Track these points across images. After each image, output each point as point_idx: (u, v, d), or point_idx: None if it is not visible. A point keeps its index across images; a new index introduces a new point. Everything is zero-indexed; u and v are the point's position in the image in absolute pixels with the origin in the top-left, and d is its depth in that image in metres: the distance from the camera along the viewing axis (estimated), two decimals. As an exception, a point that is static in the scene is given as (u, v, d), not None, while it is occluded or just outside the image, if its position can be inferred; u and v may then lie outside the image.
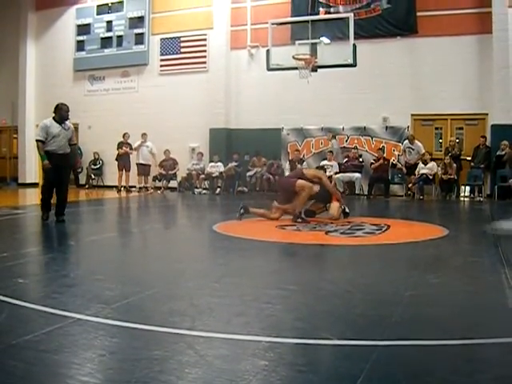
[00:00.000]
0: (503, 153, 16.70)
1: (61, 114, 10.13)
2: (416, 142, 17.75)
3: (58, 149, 10.01)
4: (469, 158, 17.73)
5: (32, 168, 23.43)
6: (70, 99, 22.00)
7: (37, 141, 10.02)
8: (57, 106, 10.26)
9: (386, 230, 9.27)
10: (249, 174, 19.44)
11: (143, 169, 20.01)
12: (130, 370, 3.01)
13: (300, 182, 10.24)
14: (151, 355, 3.19)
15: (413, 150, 17.77)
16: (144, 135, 19.89)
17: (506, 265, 6.01)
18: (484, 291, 5.01)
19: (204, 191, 19.61)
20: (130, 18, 22.13)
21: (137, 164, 20.00)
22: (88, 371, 2.96)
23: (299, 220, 10.00)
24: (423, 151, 17.64)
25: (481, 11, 17.42)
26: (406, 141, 17.90)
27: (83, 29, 22.97)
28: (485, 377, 2.92)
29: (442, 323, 3.96)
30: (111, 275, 5.67)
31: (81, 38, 23.02)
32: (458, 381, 2.89)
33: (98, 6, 22.74)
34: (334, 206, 10.53)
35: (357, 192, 17.62)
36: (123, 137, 20.17)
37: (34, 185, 22.26)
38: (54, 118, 10.10)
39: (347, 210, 10.69)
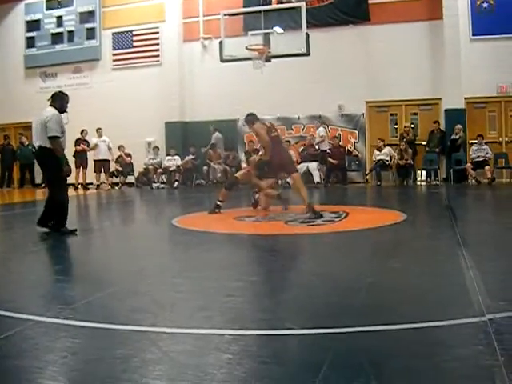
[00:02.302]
0: (457, 137, 16.97)
1: (62, 104, 8.47)
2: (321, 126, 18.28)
3: (65, 146, 8.43)
4: (424, 143, 17.98)
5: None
6: (23, 97, 21.79)
7: (55, 138, 8.00)
8: (56, 94, 8.60)
9: (344, 217, 9.32)
10: (205, 167, 19.42)
11: (102, 165, 19.74)
12: (93, 370, 2.98)
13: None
14: (114, 354, 3.17)
15: None
16: (99, 130, 19.68)
17: (463, 246, 6.11)
18: (443, 273, 5.08)
19: (162, 185, 19.53)
20: (81, 13, 21.83)
21: (95, 161, 19.68)
22: (50, 374, 2.91)
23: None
24: (322, 134, 18.14)
25: (431, -3, 17.63)
26: None
27: (33, 25, 22.56)
28: (445, 358, 2.96)
29: (402, 308, 4.01)
30: (70, 275, 5.61)
31: (31, 34, 22.62)
32: (419, 364, 2.93)
33: (47, 1, 22.36)
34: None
35: (316, 180, 17.65)
36: (81, 133, 19.90)
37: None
38: (55, 108, 8.30)
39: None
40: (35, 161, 8.84)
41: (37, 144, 8.32)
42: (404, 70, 17.70)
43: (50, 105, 8.40)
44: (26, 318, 3.88)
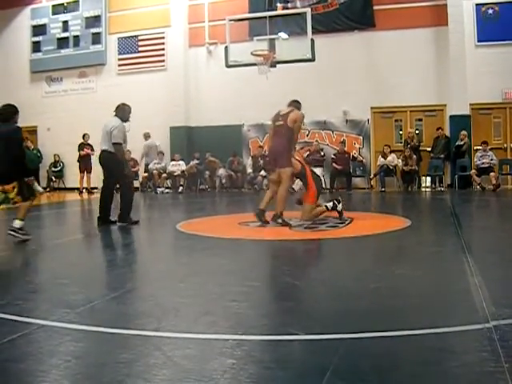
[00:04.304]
0: (462, 143, 16.96)
1: (125, 115, 9.77)
2: None
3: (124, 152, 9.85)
4: (429, 149, 17.97)
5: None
6: (28, 101, 21.82)
7: (119, 144, 9.40)
8: (119, 106, 9.88)
9: (349, 223, 9.31)
10: (207, 172, 19.48)
11: None
12: (96, 374, 2.98)
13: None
14: (118, 358, 3.16)
15: None
16: None
17: (467, 253, 6.10)
18: (448, 280, 5.07)
19: (166, 190, 19.53)
20: (87, 18, 21.91)
21: None
22: (54, 378, 2.91)
23: (279, 221, 9.18)
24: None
25: (436, 3, 17.68)
26: None
27: (39, 29, 22.65)
28: (449, 365, 2.96)
29: (407, 314, 4.00)
30: (75, 279, 5.60)
31: (36, 38, 22.71)
32: (424, 370, 2.92)
33: (53, 5, 22.44)
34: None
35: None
36: (83, 138, 19.95)
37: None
38: (118, 118, 9.67)
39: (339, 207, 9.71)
40: (99, 162, 10.19)
41: (102, 148, 9.66)
42: (409, 76, 17.71)
43: (115, 115, 9.70)
44: (29, 321, 3.88)
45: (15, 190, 7.71)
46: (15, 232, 7.72)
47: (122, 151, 9.54)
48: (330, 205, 9.63)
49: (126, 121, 9.78)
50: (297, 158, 9.77)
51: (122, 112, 9.75)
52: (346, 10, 18.56)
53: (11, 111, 8.21)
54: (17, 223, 7.75)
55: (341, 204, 9.66)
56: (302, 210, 9.57)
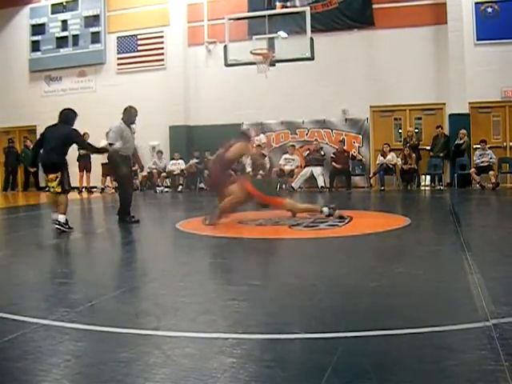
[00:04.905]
0: (462, 141, 16.95)
1: (130, 117, 10.24)
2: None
3: (130, 152, 10.27)
4: (428, 148, 17.96)
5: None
6: (27, 100, 21.86)
7: (111, 144, 9.85)
8: (126, 108, 10.33)
9: (349, 221, 9.29)
10: (206, 171, 19.45)
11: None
12: (96, 373, 2.98)
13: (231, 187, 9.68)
14: (118, 357, 3.16)
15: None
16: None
17: (467, 251, 6.10)
18: (447, 278, 5.07)
19: (166, 189, 19.52)
20: (86, 17, 21.88)
21: (103, 164, 19.55)
22: (54, 377, 2.91)
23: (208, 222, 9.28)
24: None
25: (436, 2, 17.68)
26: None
27: (38, 29, 22.61)
28: (449, 363, 2.95)
29: (406, 312, 3.99)
30: (75, 278, 5.60)
31: (35, 38, 22.67)
32: (423, 368, 2.92)
33: (52, 5, 22.40)
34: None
35: (320, 185, 17.59)
36: (82, 137, 19.86)
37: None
38: (123, 120, 10.11)
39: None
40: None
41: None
42: (408, 75, 17.70)
43: (122, 118, 10.17)
44: (29, 320, 3.88)
45: (57, 180, 8.77)
46: (61, 226, 8.60)
47: (107, 150, 9.97)
48: (325, 210, 9.58)
49: (132, 123, 10.35)
50: (241, 184, 9.82)
51: (128, 114, 10.19)
52: (345, 8, 18.56)
53: (71, 117, 9.40)
54: (61, 217, 8.66)
55: (336, 212, 9.57)
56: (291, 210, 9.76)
